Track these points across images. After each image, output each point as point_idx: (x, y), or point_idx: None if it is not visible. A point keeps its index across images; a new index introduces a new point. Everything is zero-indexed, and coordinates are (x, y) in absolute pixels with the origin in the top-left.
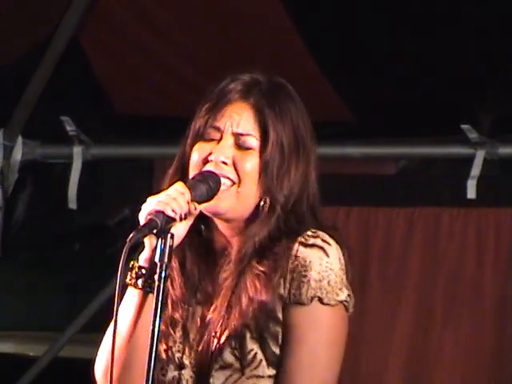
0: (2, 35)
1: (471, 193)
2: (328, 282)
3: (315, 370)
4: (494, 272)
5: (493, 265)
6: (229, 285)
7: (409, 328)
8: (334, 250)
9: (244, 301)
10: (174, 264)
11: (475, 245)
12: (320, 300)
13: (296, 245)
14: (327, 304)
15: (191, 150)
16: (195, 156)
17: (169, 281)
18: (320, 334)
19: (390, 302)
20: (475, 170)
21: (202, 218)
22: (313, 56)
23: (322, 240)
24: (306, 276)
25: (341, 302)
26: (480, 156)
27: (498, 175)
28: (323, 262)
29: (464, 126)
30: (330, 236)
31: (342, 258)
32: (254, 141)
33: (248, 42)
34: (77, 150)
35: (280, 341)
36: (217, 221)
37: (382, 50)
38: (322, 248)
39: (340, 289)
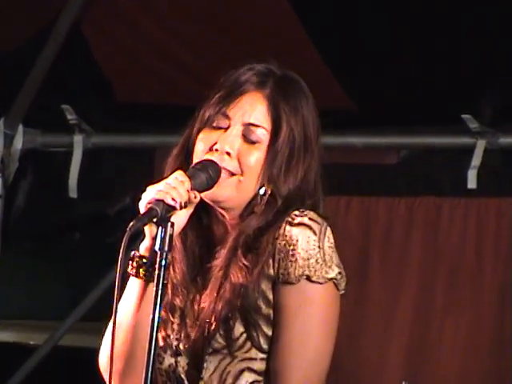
0: (2, 22)
1: (472, 183)
2: (316, 260)
3: (306, 348)
4: (495, 261)
5: (493, 254)
6: (218, 273)
7: (409, 316)
8: (321, 228)
9: (228, 289)
10: (177, 243)
11: (476, 234)
12: (308, 278)
13: (283, 224)
14: (316, 282)
15: (196, 136)
16: (200, 145)
17: (171, 264)
18: (310, 312)
19: (390, 291)
20: (476, 160)
21: (203, 207)
22: (315, 45)
23: (310, 218)
24: (293, 255)
25: (330, 279)
26: (481, 146)
27: (498, 165)
28: (310, 239)
29: (465, 116)
30: (319, 215)
31: (331, 236)
32: (263, 133)
33: (250, 31)
34: (77, 139)
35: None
36: (217, 209)
37: (384, 41)
38: (308, 226)
39: (329, 266)
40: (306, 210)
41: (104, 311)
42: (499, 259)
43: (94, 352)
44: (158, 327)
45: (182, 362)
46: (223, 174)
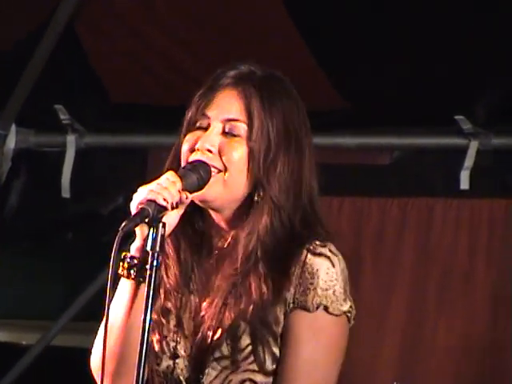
0: None
1: (464, 183)
2: (333, 292)
3: (313, 376)
4: (487, 262)
5: (486, 255)
6: (229, 282)
7: (402, 317)
8: (339, 261)
9: (244, 301)
10: (171, 252)
11: (468, 235)
12: (326, 309)
13: (304, 251)
14: (332, 313)
15: (183, 139)
16: (185, 146)
17: (163, 269)
18: (321, 341)
19: (383, 291)
20: (469, 161)
21: (196, 209)
22: (308, 46)
23: (329, 250)
24: (312, 283)
25: (344, 312)
26: (473, 147)
27: (491, 166)
28: (330, 271)
29: (458, 117)
30: (336, 247)
31: (345, 269)
32: (242, 127)
33: (244, 31)
34: (70, 139)
35: (279, 341)
36: (211, 212)
37: (378, 41)
38: (329, 258)
39: (344, 299)
40: (327, 240)
41: (96, 311)
42: (492, 260)
43: (87, 352)
44: (149, 328)
45: (181, 364)
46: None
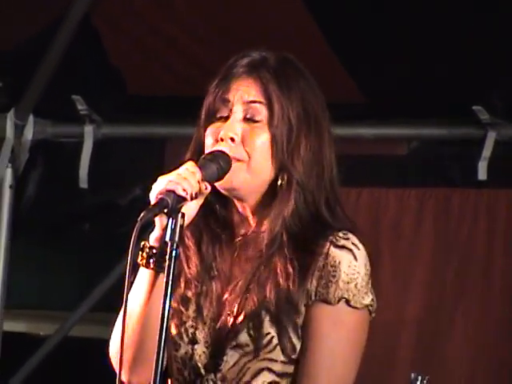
0: (13, 14)
1: (482, 174)
2: (355, 285)
3: (334, 369)
4: (504, 252)
5: (503, 245)
6: (252, 266)
7: (419, 307)
8: (361, 253)
9: (269, 285)
10: (191, 245)
11: (486, 225)
12: (347, 302)
13: (327, 243)
14: (353, 307)
15: (205, 131)
16: (208, 139)
17: (184, 260)
18: (342, 334)
19: (400, 282)
20: (486, 152)
21: (218, 197)
22: (325, 37)
23: (353, 243)
24: (334, 276)
25: (366, 306)
26: (491, 137)
27: (509, 156)
28: (352, 264)
29: (476, 108)
30: (359, 239)
31: (367, 262)
32: (263, 110)
33: (262, 24)
34: (88, 129)
35: (299, 332)
36: (235, 200)
37: (394, 31)
38: (351, 251)
39: (366, 293)
40: (349, 232)
41: (114, 302)
42: (509, 250)
43: (104, 342)
44: (168, 318)
45: (199, 350)
46: (233, 163)
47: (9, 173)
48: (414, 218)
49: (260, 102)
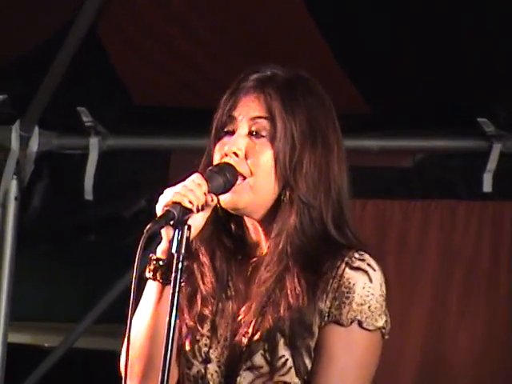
0: (18, 24)
1: (487, 186)
2: (369, 307)
3: None
4: (510, 264)
5: (508, 258)
6: (266, 287)
7: (424, 320)
8: (377, 275)
9: (282, 306)
10: (205, 260)
11: (491, 238)
12: (359, 323)
13: (343, 265)
14: (366, 329)
15: (214, 146)
16: (216, 155)
17: (199, 277)
18: (353, 356)
19: (405, 294)
20: (491, 164)
21: (231, 216)
22: (330, 48)
23: (368, 264)
24: (348, 298)
25: (379, 328)
26: (496, 149)
27: None
28: (366, 286)
29: (481, 120)
30: (375, 260)
31: (383, 284)
32: (267, 126)
33: (266, 34)
34: (93, 141)
35: (312, 354)
36: (245, 218)
37: (400, 43)
38: (366, 272)
39: (379, 315)
40: (365, 252)
41: (119, 313)
42: None
43: (109, 354)
44: (174, 330)
45: (212, 369)
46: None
47: (14, 184)
48: (419, 230)
49: (264, 118)
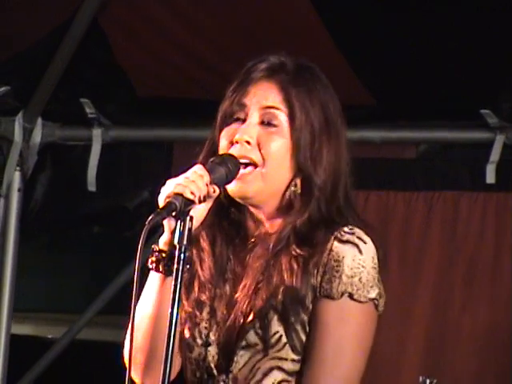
0: (22, 17)
1: (490, 177)
2: (359, 279)
3: (340, 365)
4: None
5: (511, 248)
6: (260, 264)
7: (427, 310)
8: (368, 247)
9: (275, 281)
10: (205, 245)
11: (494, 229)
12: (350, 296)
13: (332, 238)
14: (357, 300)
15: (220, 133)
16: (223, 141)
17: (197, 263)
18: (347, 329)
19: (408, 285)
20: (494, 155)
21: (232, 201)
22: (334, 40)
23: (358, 237)
24: (338, 271)
25: (371, 299)
26: (499, 141)
27: None
28: (356, 258)
29: (484, 111)
30: (366, 234)
31: (375, 256)
32: (282, 116)
33: (269, 26)
34: (96, 133)
35: (307, 329)
36: (250, 207)
37: (403, 34)
38: (356, 245)
39: (371, 286)
40: (355, 226)
41: (122, 305)
42: None
43: (112, 345)
44: (176, 321)
45: (212, 351)
46: (245, 170)
47: (17, 176)
48: (422, 221)
49: (278, 108)
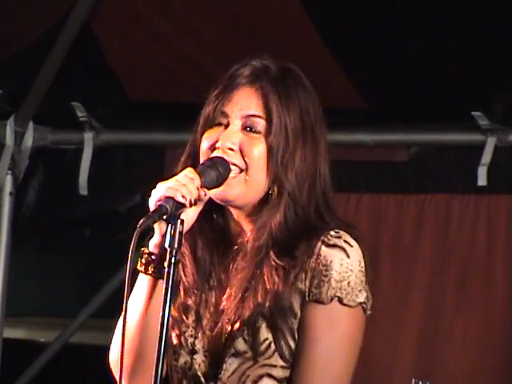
0: (13, 21)
1: (482, 180)
2: (348, 283)
3: (329, 370)
4: (505, 258)
5: (503, 251)
6: (245, 275)
7: (419, 313)
8: (354, 251)
9: (260, 292)
10: (186, 251)
11: (486, 231)
12: (340, 300)
13: (319, 243)
14: (346, 305)
15: (201, 136)
16: (204, 144)
17: (181, 268)
18: (336, 334)
19: (400, 288)
20: (486, 157)
21: (214, 206)
22: (325, 42)
23: (344, 241)
24: (326, 276)
25: (360, 303)
26: (491, 143)
27: (508, 162)
28: (344, 262)
29: (475, 113)
30: (352, 237)
31: (362, 260)
32: (262, 123)
33: (261, 28)
34: (88, 136)
35: (296, 335)
36: (230, 209)
37: (393, 37)
38: (343, 249)
39: (360, 290)
40: (341, 230)
41: (114, 308)
42: (509, 256)
43: (105, 349)
44: (168, 325)
45: (199, 359)
46: (232, 173)
47: (9, 180)
48: (414, 224)
49: (258, 116)
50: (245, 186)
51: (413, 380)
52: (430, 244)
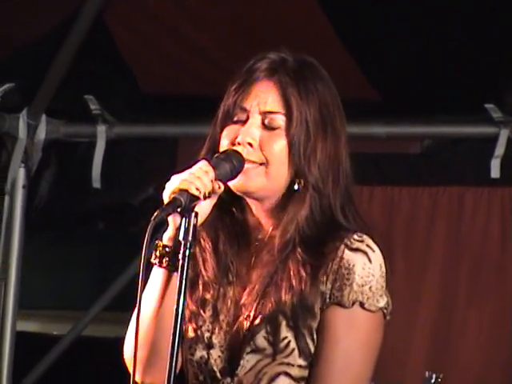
0: (26, 12)
1: (495, 172)
2: (370, 288)
3: (348, 374)
4: None
5: None
6: (268, 270)
7: (432, 307)
8: (376, 256)
9: (284, 288)
10: (207, 245)
11: (499, 223)
12: (361, 305)
13: (342, 246)
14: (368, 309)
15: (221, 131)
16: (224, 141)
17: (200, 262)
18: (356, 338)
19: (413, 281)
20: (499, 150)
21: (234, 199)
22: (338, 34)
23: (367, 245)
24: (348, 279)
25: (380, 308)
26: (504, 135)
27: None
28: (366, 267)
29: (488, 106)
30: (373, 240)
31: (383, 264)
32: (281, 118)
33: (273, 20)
34: (100, 129)
35: (315, 336)
36: (250, 202)
37: (407, 30)
38: (365, 253)
39: (381, 295)
40: (365, 234)
41: (128, 301)
42: None
43: (118, 342)
44: (182, 317)
45: (215, 354)
46: (250, 165)
47: (22, 173)
48: (427, 217)
49: (277, 112)
50: (265, 178)
51: (426, 373)
52: (443, 236)
